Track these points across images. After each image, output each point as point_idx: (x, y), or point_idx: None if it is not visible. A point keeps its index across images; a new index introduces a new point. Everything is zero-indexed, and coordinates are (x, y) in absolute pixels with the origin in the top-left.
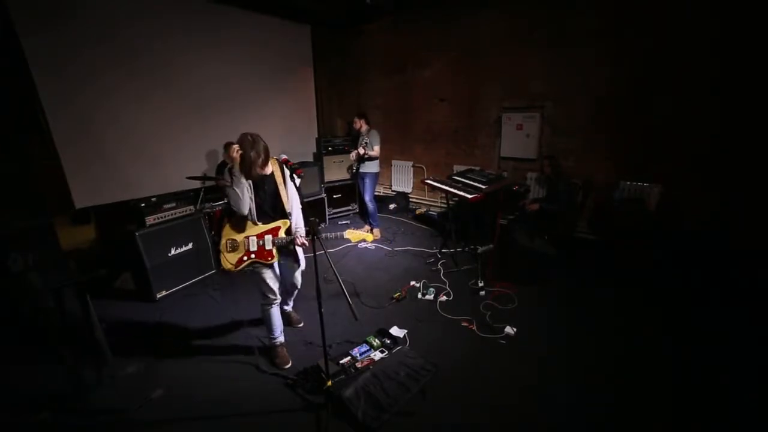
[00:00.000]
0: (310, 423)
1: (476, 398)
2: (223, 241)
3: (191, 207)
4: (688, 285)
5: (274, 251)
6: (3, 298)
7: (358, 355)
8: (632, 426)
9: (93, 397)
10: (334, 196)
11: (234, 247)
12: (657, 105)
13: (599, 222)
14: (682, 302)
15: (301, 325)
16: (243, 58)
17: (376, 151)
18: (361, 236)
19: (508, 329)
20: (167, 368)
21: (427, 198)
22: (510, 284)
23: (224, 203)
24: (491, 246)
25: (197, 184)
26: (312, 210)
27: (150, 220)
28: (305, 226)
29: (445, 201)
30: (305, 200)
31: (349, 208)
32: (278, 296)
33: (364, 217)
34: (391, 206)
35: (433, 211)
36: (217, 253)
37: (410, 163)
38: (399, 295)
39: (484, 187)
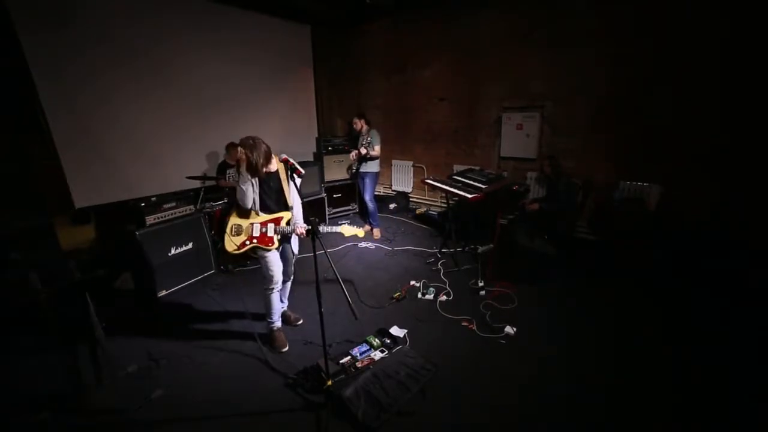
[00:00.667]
0: (310, 423)
1: (476, 398)
2: (229, 225)
3: (191, 207)
4: (688, 285)
5: (275, 239)
6: (3, 298)
7: (358, 354)
8: (632, 426)
9: (93, 397)
10: (334, 196)
11: (239, 231)
12: (657, 105)
13: (599, 222)
14: (682, 302)
15: (300, 322)
16: (243, 58)
17: (377, 150)
18: (354, 232)
19: (508, 329)
20: (167, 368)
21: (427, 198)
22: (510, 284)
23: (224, 203)
24: (491, 246)
25: (197, 183)
26: (312, 210)
27: (150, 219)
28: (306, 225)
29: (445, 201)
30: (304, 200)
31: (349, 207)
32: (279, 281)
33: (364, 217)
34: (392, 206)
35: (433, 211)
36: (217, 252)
37: (410, 163)
38: (399, 295)
39: (484, 186)
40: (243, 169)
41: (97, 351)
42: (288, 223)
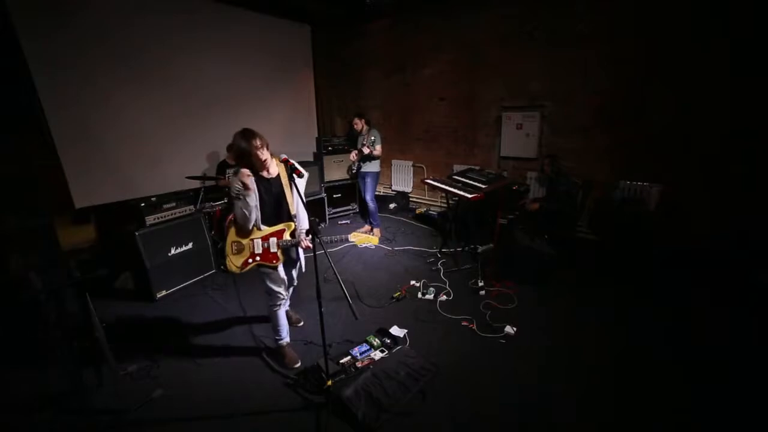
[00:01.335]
0: (310, 423)
1: (476, 398)
2: (228, 243)
3: (191, 207)
4: (688, 285)
5: (279, 254)
6: (3, 298)
7: (358, 354)
8: (632, 426)
9: (93, 397)
10: (334, 196)
11: (239, 249)
12: (657, 105)
13: (599, 222)
14: (682, 302)
15: (301, 324)
16: (243, 58)
17: (378, 150)
18: (367, 239)
19: (508, 329)
20: (167, 368)
21: (427, 197)
22: (510, 284)
23: (224, 203)
24: (491, 245)
25: (197, 183)
26: (312, 210)
27: (150, 219)
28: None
29: (445, 200)
30: (304, 200)
31: (349, 207)
32: (285, 297)
33: (364, 217)
34: (391, 206)
35: (433, 211)
36: (217, 252)
37: (410, 163)
38: (399, 295)
39: (484, 186)
40: (239, 183)
41: (97, 351)
42: (292, 235)
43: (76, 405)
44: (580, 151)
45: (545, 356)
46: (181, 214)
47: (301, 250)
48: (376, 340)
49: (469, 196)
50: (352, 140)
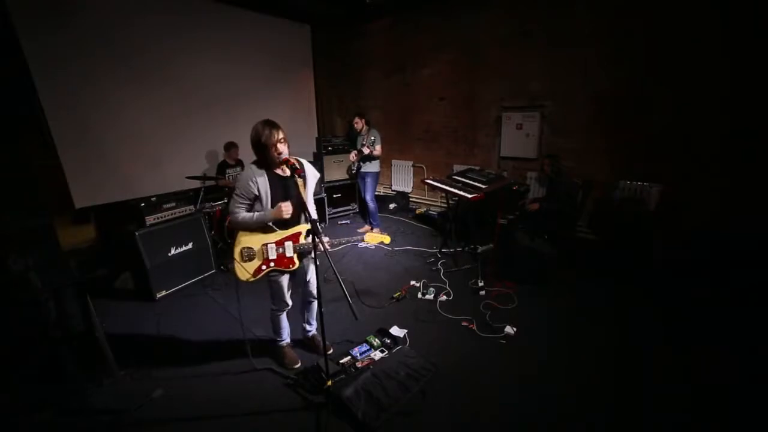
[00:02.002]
0: (310, 423)
1: (476, 398)
2: (238, 250)
3: (191, 207)
4: (688, 285)
5: (295, 258)
6: (3, 298)
7: (358, 354)
8: (632, 426)
9: (93, 397)
10: (334, 196)
11: (251, 255)
12: (657, 104)
13: (599, 222)
14: (682, 302)
15: (331, 351)
16: (243, 58)
17: (378, 150)
18: (380, 238)
19: (508, 329)
20: (167, 368)
21: (427, 197)
22: (510, 284)
23: (224, 203)
24: (491, 245)
25: (197, 183)
26: None
27: (150, 219)
28: (327, 238)
29: (445, 200)
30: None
31: (349, 207)
32: (290, 303)
33: (364, 217)
34: (391, 206)
35: (433, 211)
36: (217, 252)
37: (410, 163)
38: (399, 295)
39: (484, 186)
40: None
41: (97, 351)
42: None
43: (76, 405)
44: (580, 151)
45: (545, 356)
46: (181, 214)
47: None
48: (376, 340)
49: (469, 196)
50: (351, 140)
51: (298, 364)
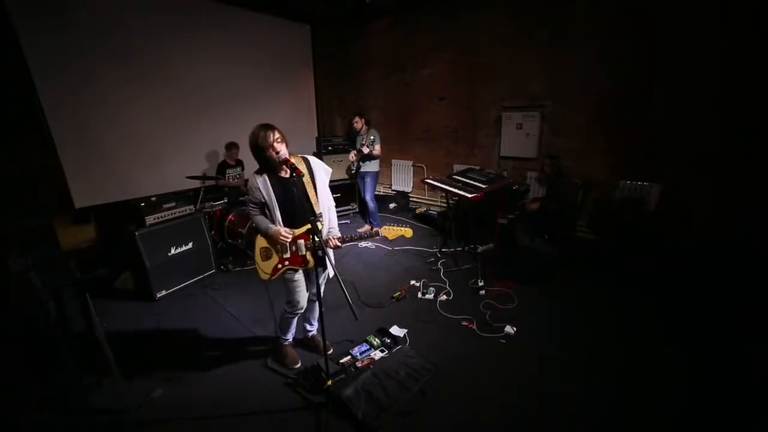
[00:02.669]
0: (310, 422)
1: (476, 398)
2: (257, 250)
3: (191, 206)
4: (688, 285)
5: (308, 256)
6: (3, 298)
7: (358, 354)
8: (632, 425)
9: (93, 397)
10: (334, 196)
11: (268, 255)
12: (657, 104)
13: (599, 222)
14: (682, 302)
15: (331, 351)
16: (243, 58)
17: (377, 149)
18: (400, 232)
19: (508, 328)
20: (167, 368)
21: (427, 197)
22: (510, 283)
23: (224, 203)
24: (491, 245)
25: (197, 183)
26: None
27: (150, 219)
28: (339, 234)
29: (445, 200)
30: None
31: (349, 207)
32: (304, 307)
33: (364, 217)
34: (391, 205)
35: (433, 211)
36: (217, 252)
37: (410, 163)
38: (399, 295)
39: (484, 186)
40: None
41: (97, 351)
42: (315, 235)
43: (76, 405)
44: (580, 151)
45: (545, 356)
46: (181, 214)
47: (331, 253)
48: (376, 339)
49: (469, 196)
50: (351, 140)
51: (299, 364)
